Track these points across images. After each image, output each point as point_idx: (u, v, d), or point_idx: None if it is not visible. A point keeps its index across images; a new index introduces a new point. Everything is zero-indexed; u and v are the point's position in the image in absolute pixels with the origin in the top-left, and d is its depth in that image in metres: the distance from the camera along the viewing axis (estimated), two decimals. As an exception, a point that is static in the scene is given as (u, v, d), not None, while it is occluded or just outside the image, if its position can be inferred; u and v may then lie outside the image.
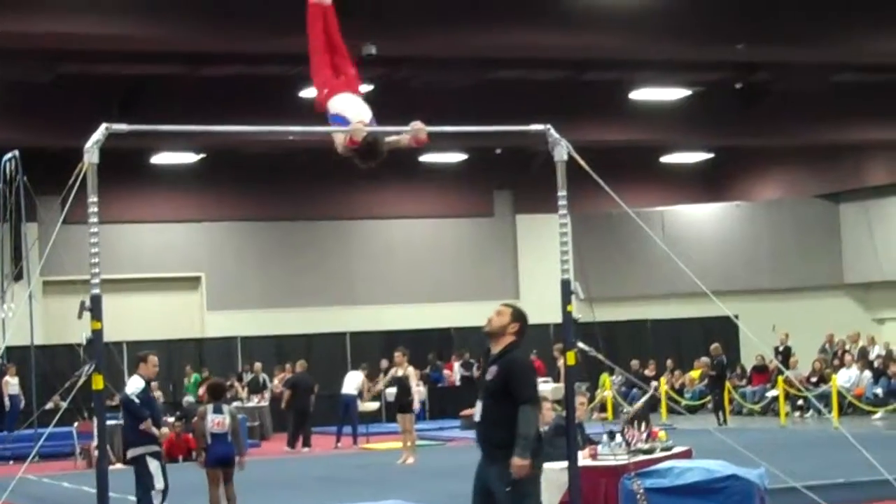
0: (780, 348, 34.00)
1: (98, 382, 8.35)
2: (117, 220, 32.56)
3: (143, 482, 13.85)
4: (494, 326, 9.54)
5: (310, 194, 36.73)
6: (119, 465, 24.07)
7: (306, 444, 27.86)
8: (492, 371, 9.55)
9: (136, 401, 14.05)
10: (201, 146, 33.95)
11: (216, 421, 14.69)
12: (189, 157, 35.34)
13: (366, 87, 28.61)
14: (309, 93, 28.37)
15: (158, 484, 13.84)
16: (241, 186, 36.45)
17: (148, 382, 14.54)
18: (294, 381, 29.28)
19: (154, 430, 14.12)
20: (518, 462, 9.16)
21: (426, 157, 36.90)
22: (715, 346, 31.09)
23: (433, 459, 22.91)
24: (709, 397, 32.42)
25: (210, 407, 14.82)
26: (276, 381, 33.19)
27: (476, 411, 9.57)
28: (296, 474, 22.24)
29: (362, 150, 9.74)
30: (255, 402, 32.20)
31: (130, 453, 14.08)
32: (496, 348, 9.59)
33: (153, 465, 13.88)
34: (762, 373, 34.00)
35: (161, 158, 35.03)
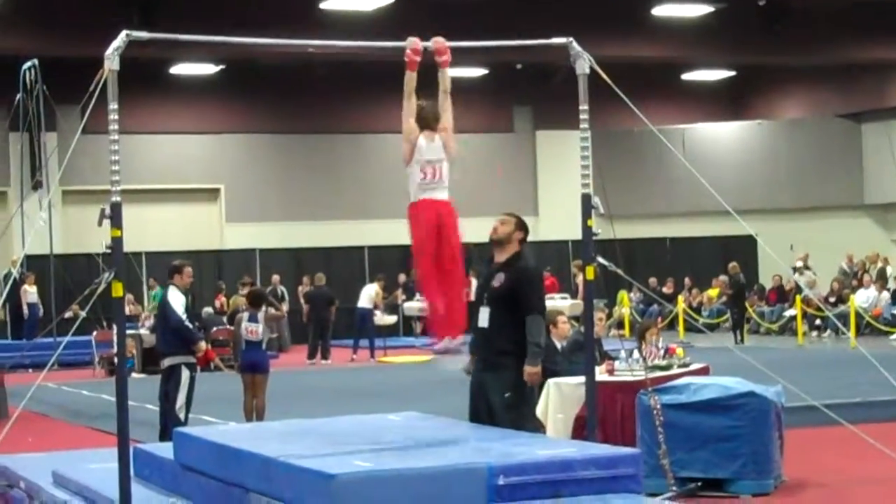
0: (799, 267, 33.93)
1: (118, 290, 8.36)
2: (137, 131, 32.52)
3: (171, 393, 13.87)
4: (501, 234, 9.69)
5: (329, 107, 36.61)
6: (139, 375, 24.32)
7: (325, 356, 27.98)
8: (499, 278, 9.64)
9: (190, 325, 14.02)
10: (221, 57, 33.84)
11: (250, 329, 14.98)
12: (209, 69, 35.27)
13: (386, 1, 28.62)
14: (329, 4, 28.25)
15: (182, 396, 13.88)
16: (260, 98, 36.36)
17: (186, 294, 14.50)
18: (312, 294, 29.35)
19: (202, 345, 14.20)
20: (530, 369, 9.30)
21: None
22: (733, 264, 31.03)
23: (449, 372, 23.02)
24: (726, 316, 32.44)
25: (246, 315, 15.11)
26: (300, 293, 33.23)
27: (480, 317, 9.63)
28: (314, 386, 22.36)
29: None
30: (274, 312, 32.25)
31: (167, 362, 14.08)
32: (501, 256, 9.71)
33: (185, 376, 13.93)
34: (779, 293, 34.00)
35: (181, 69, 34.97)
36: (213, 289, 33.08)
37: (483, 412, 9.55)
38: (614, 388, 12.20)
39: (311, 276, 31.53)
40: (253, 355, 15.10)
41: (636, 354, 12.95)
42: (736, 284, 30.70)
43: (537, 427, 10.77)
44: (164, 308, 14.16)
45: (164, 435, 13.29)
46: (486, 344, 9.60)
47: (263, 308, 15.46)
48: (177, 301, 14.04)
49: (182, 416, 13.84)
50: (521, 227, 9.82)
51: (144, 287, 30.81)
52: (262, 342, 15.11)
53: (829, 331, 30.70)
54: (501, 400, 9.41)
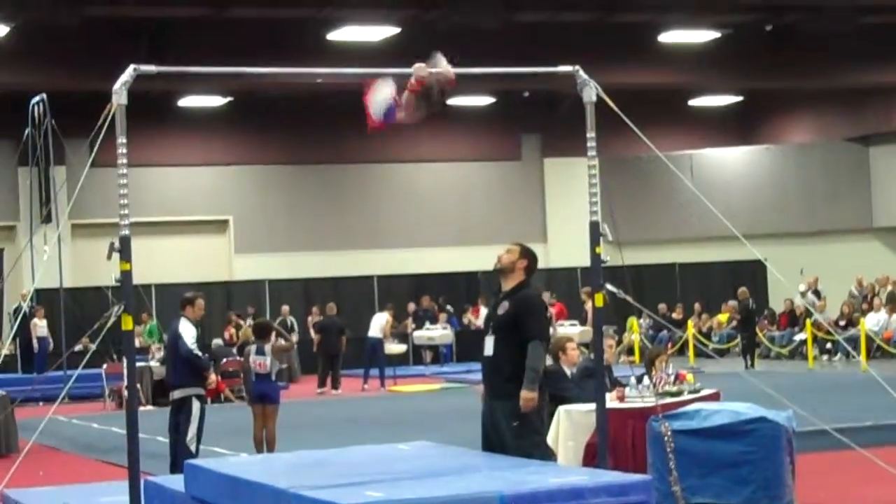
0: (809, 291, 33.89)
1: (127, 323, 8.38)
2: (145, 164, 32.65)
3: (182, 425, 13.89)
4: (505, 263, 9.72)
5: (337, 138, 36.67)
6: (149, 407, 24.32)
7: (335, 386, 27.96)
8: (503, 306, 9.67)
9: (200, 354, 14.09)
10: (229, 89, 33.96)
11: (258, 362, 15.05)
12: (216, 101, 35.39)
13: (393, 30, 28.69)
14: (336, 35, 28.35)
15: (192, 429, 13.89)
16: (268, 130, 36.47)
17: (197, 326, 14.53)
18: (323, 324, 29.35)
19: (213, 376, 14.30)
20: (526, 395, 9.33)
21: (454, 101, 36.79)
22: (742, 289, 31.00)
23: (460, 402, 22.99)
24: (737, 341, 32.40)
25: (253, 348, 15.15)
26: (310, 324, 33.23)
27: (486, 346, 9.67)
28: (324, 416, 22.35)
29: (423, 92, 9.72)
30: (283, 343, 32.23)
31: (177, 394, 14.11)
32: (507, 285, 9.74)
33: (196, 408, 13.95)
34: (790, 317, 33.96)
35: (188, 102, 35.08)
36: (222, 320, 33.10)
37: (494, 440, 9.57)
38: (625, 415, 12.18)
39: (321, 306, 31.53)
40: (262, 386, 15.14)
41: (646, 381, 12.94)
42: (745, 309, 30.67)
43: (548, 455, 10.75)
44: (174, 340, 14.19)
45: (175, 467, 13.28)
46: (493, 372, 9.64)
47: (271, 339, 15.49)
48: (188, 332, 14.07)
49: (193, 447, 13.85)
50: (526, 255, 9.83)
51: (154, 319, 30.81)
52: (270, 373, 15.15)
53: (839, 354, 30.63)
54: (510, 428, 9.43)
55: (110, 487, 12.44)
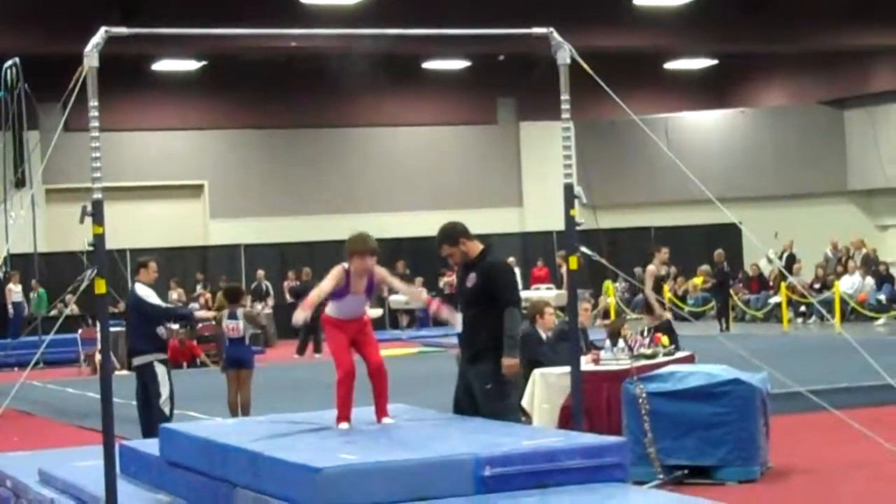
0: (780, 255, 33.99)
1: (101, 287, 8.34)
2: (119, 128, 32.49)
3: (150, 390, 13.84)
4: (457, 260, 9.76)
5: (312, 102, 36.59)
6: (123, 371, 24.27)
7: (317, 350, 27.90)
8: (470, 278, 9.69)
9: (172, 306, 14.05)
10: (203, 53, 33.79)
11: (231, 326, 15.00)
12: (191, 65, 35.23)
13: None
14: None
15: (164, 391, 13.86)
16: (243, 94, 36.33)
17: (154, 289, 14.46)
18: (300, 289, 29.29)
19: (201, 314, 14.25)
20: (507, 361, 9.36)
21: (429, 65, 36.76)
22: (719, 252, 31.07)
23: (437, 365, 23.00)
24: (711, 304, 32.49)
25: (226, 313, 15.07)
26: (286, 288, 33.20)
27: (457, 321, 9.67)
28: (300, 380, 22.32)
29: None
30: (259, 308, 32.28)
31: (137, 361, 14.06)
32: (470, 258, 9.72)
33: (161, 372, 13.91)
34: (760, 280, 34.10)
35: (163, 66, 34.93)
36: (197, 285, 33.06)
37: (465, 404, 9.60)
38: (600, 378, 12.22)
39: (296, 271, 31.49)
40: (236, 351, 15.11)
41: (621, 343, 12.98)
42: (720, 273, 30.75)
43: (521, 418, 10.79)
44: (136, 304, 14.07)
45: (147, 432, 13.26)
46: (467, 341, 9.67)
47: (244, 304, 15.46)
48: (148, 294, 14.01)
49: (167, 410, 13.81)
50: (453, 237, 9.78)
51: (129, 283, 30.73)
52: (244, 338, 15.11)
53: (814, 317, 30.76)
54: (482, 391, 9.46)
55: (85, 452, 12.41)
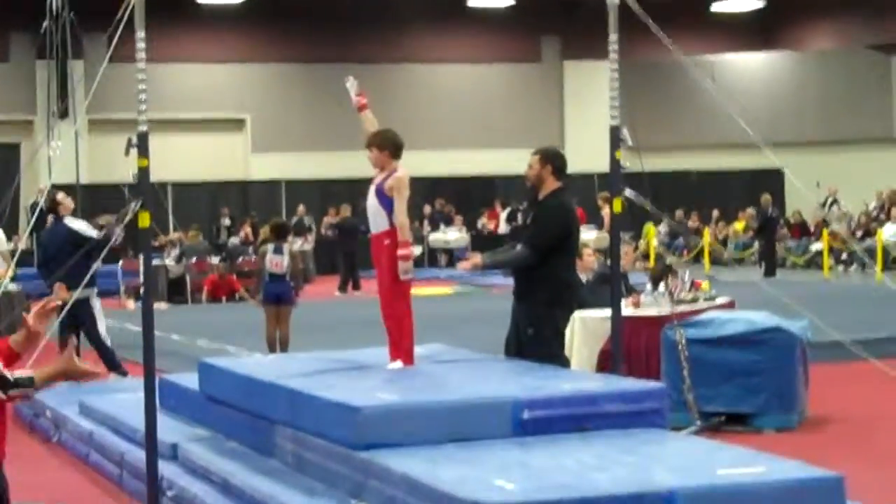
0: (828, 201, 33.78)
1: (144, 220, 8.34)
2: (163, 60, 32.43)
3: (87, 324, 13.74)
4: (531, 178, 9.57)
5: (356, 37, 36.45)
6: (163, 305, 24.42)
7: (356, 287, 27.92)
8: (532, 217, 9.60)
9: (88, 234, 13.76)
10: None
11: (275, 261, 15.01)
12: (235, -3, 35.18)
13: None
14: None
15: (103, 327, 13.89)
16: (286, 28, 36.22)
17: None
18: (341, 225, 29.33)
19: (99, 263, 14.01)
20: (475, 260, 9.39)
21: (474, 2, 36.58)
22: (766, 196, 30.79)
23: (474, 305, 23.03)
24: (753, 249, 32.32)
25: (271, 247, 15.10)
26: (326, 224, 33.23)
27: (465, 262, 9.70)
28: (339, 318, 22.35)
29: None
30: (299, 244, 32.32)
31: (79, 294, 13.87)
32: (540, 195, 9.59)
33: (98, 305, 13.94)
34: (802, 227, 33.95)
35: (207, -2, 34.89)
36: (238, 220, 33.15)
37: (512, 342, 9.57)
38: (639, 323, 12.19)
39: (335, 207, 31.49)
40: (277, 287, 15.12)
41: (661, 288, 12.93)
42: (764, 217, 30.53)
43: (564, 362, 10.76)
44: (73, 238, 13.66)
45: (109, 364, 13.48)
46: (518, 278, 9.56)
47: (289, 240, 15.47)
48: (83, 227, 13.88)
49: (108, 342, 13.92)
50: (547, 158, 9.58)
51: (170, 217, 30.79)
52: (286, 274, 15.13)
53: (855, 265, 30.57)
54: (525, 334, 9.39)
55: (125, 384, 12.51)
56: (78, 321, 13.33)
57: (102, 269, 23.03)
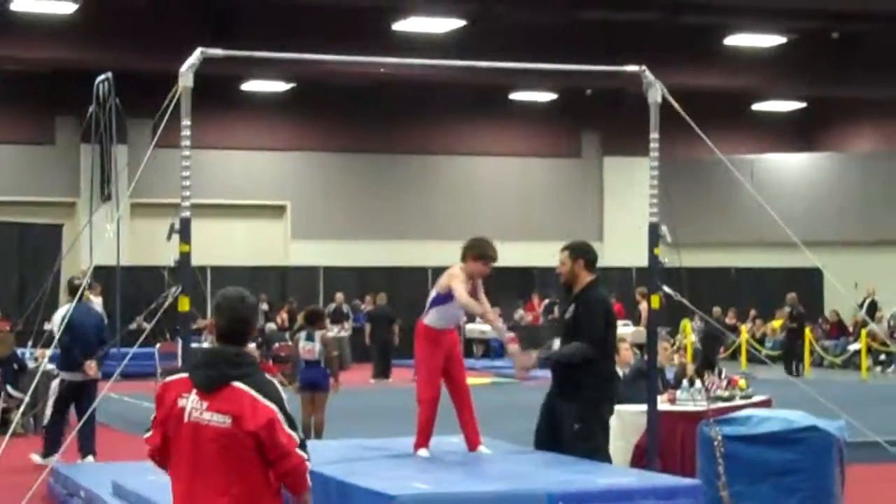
0: (867, 302, 33.63)
1: (184, 304, 8.42)
2: (206, 146, 32.75)
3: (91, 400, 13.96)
4: (564, 275, 9.61)
5: (398, 128, 36.74)
6: (199, 388, 24.36)
7: (386, 375, 27.93)
8: (570, 310, 9.61)
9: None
10: (292, 75, 34.03)
11: (307, 349, 15.06)
12: (280, 86, 35.49)
13: (459, 23, 28.67)
14: (402, 25, 28.34)
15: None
16: (329, 117, 36.53)
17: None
18: (374, 314, 29.38)
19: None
20: (528, 361, 9.33)
21: (516, 96, 36.83)
22: (791, 295, 30.75)
23: (509, 397, 22.95)
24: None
25: (303, 335, 15.14)
26: (362, 312, 33.27)
27: (519, 363, 9.66)
28: (374, 405, 22.34)
29: None
30: (335, 332, 32.33)
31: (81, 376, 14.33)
32: (575, 289, 9.61)
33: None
34: (839, 327, 33.80)
35: (252, 86, 35.21)
36: (277, 306, 33.24)
37: (546, 432, 9.51)
38: (675, 418, 12.13)
39: (373, 295, 31.55)
40: (311, 374, 15.13)
41: (698, 384, 12.89)
42: (794, 316, 30.44)
43: (607, 457, 10.69)
44: (100, 321, 14.88)
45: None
46: (561, 373, 9.54)
47: (324, 327, 15.51)
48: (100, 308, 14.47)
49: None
50: (579, 254, 9.62)
51: (208, 301, 30.92)
52: (320, 361, 15.13)
53: (893, 366, 30.39)
54: (570, 430, 9.33)
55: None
56: (85, 397, 14.00)
57: (138, 351, 23.23)
